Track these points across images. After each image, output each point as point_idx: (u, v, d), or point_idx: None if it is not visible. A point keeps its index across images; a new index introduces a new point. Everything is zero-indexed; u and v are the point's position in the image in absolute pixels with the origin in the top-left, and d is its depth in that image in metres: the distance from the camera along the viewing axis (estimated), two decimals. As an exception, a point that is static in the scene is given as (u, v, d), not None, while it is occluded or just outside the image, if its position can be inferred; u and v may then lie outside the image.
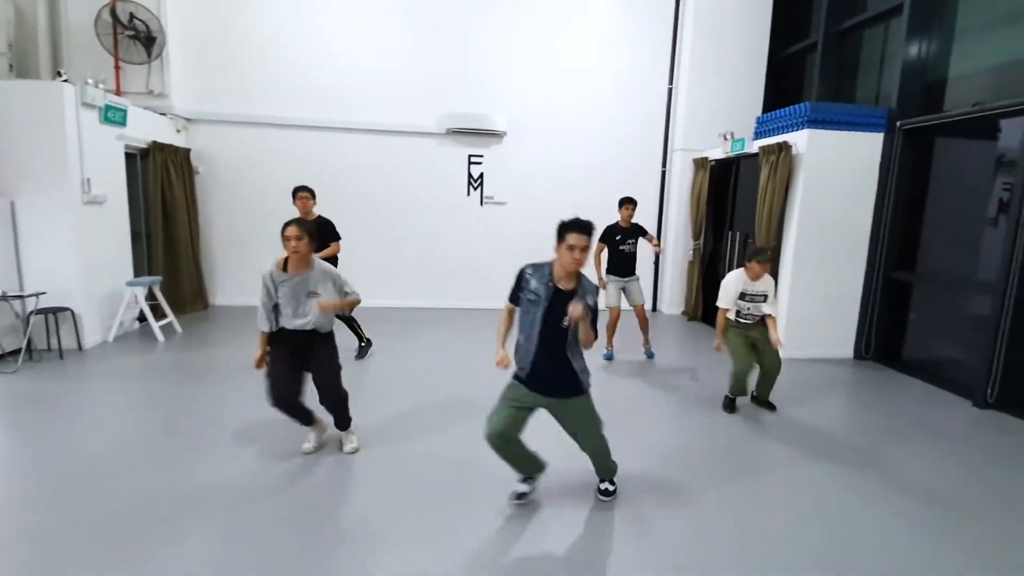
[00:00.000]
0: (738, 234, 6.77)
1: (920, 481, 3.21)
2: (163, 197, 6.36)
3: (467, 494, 2.90)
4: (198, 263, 6.96)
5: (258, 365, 3.10)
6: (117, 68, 6.35)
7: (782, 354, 5.55)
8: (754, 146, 6.09)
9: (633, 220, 5.32)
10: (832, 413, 4.33)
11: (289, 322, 3.03)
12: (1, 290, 4.68)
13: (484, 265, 7.58)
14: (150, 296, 5.85)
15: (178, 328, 5.94)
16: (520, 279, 2.56)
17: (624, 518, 2.74)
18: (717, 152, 7.01)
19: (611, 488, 2.89)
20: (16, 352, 4.80)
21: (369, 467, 3.16)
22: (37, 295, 4.86)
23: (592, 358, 5.18)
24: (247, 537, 2.48)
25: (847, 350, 5.78)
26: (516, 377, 2.64)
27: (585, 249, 2.39)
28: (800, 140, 5.40)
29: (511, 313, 2.69)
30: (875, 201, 5.54)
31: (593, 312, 2.48)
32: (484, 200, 7.66)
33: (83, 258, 5.15)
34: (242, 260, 7.18)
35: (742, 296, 3.96)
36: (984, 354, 4.38)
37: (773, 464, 3.40)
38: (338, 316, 4.97)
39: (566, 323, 2.42)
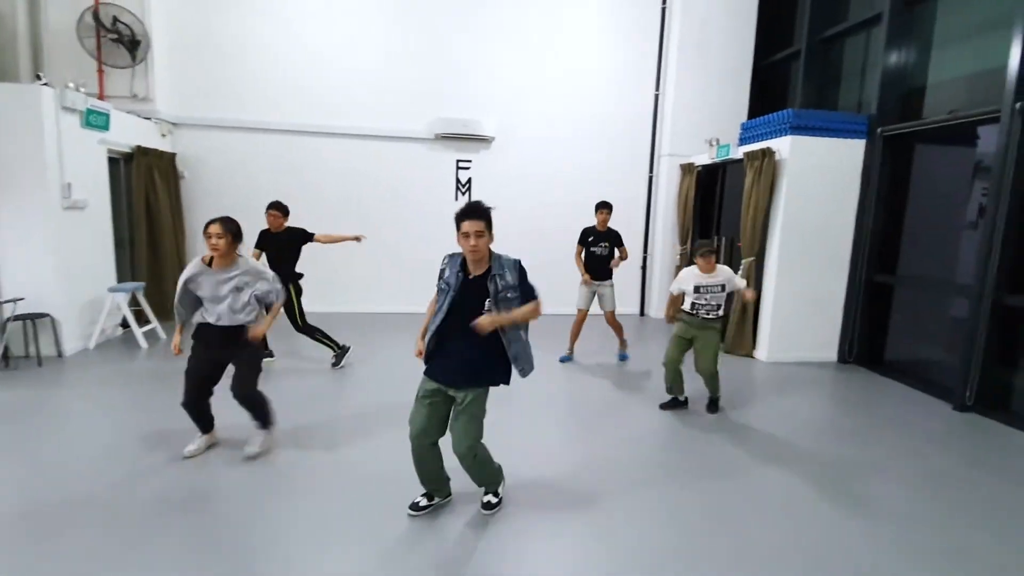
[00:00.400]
0: (724, 239, 6.83)
1: (891, 484, 3.23)
2: (147, 202, 6.29)
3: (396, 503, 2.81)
4: (183, 268, 6.87)
5: (176, 351, 3.18)
6: (100, 72, 6.28)
7: (763, 356, 5.60)
8: (739, 152, 6.16)
9: (611, 226, 5.34)
10: (808, 416, 4.36)
11: (209, 316, 3.09)
12: (-23, 297, 4.59)
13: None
14: (133, 302, 5.77)
15: (162, 334, 5.87)
16: (440, 270, 2.53)
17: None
18: (703, 158, 7.07)
19: (493, 501, 2.77)
20: (-8, 359, 4.72)
21: (315, 473, 3.13)
22: (14, 301, 4.78)
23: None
24: (196, 545, 2.45)
25: (831, 353, 5.84)
26: (425, 371, 2.60)
27: (481, 234, 2.35)
28: (783, 146, 5.47)
29: (435, 303, 2.62)
30: (857, 206, 5.62)
31: (522, 288, 2.45)
32: (472, 205, 7.65)
33: (63, 264, 5.08)
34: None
35: (697, 290, 4.03)
36: (962, 357, 4.45)
37: (741, 467, 3.40)
38: (299, 331, 4.93)
39: (487, 308, 2.41)
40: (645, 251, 7.98)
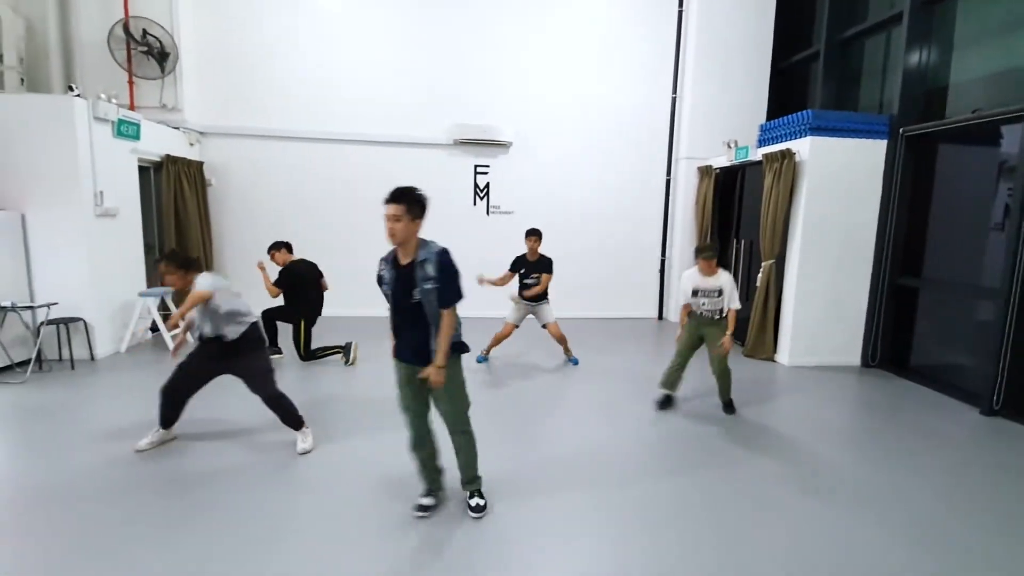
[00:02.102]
0: (743, 242, 6.79)
1: (915, 490, 3.19)
2: (176, 209, 6.47)
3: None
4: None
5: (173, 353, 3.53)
6: (131, 83, 6.50)
7: (785, 360, 5.53)
8: (758, 154, 6.13)
9: (543, 252, 5.28)
10: (829, 420, 4.30)
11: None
12: (10, 301, 4.69)
13: (490, 274, 7.62)
14: (163, 306, 5.94)
15: (189, 338, 6.00)
16: (379, 278, 2.56)
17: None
18: (722, 160, 7.04)
19: (482, 503, 2.75)
20: (26, 363, 4.87)
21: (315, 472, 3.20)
22: (48, 306, 4.94)
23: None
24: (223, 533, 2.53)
25: (854, 357, 5.76)
26: (394, 358, 2.64)
27: (397, 218, 2.38)
28: (803, 147, 5.44)
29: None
30: (879, 207, 5.55)
31: (450, 269, 2.50)
32: (491, 209, 7.73)
33: (95, 269, 5.25)
34: (255, 271, 7.26)
35: (695, 293, 4.04)
36: (990, 360, 4.37)
37: (757, 471, 3.39)
38: (304, 359, 5.21)
39: (416, 297, 2.45)
40: (663, 255, 7.96)
